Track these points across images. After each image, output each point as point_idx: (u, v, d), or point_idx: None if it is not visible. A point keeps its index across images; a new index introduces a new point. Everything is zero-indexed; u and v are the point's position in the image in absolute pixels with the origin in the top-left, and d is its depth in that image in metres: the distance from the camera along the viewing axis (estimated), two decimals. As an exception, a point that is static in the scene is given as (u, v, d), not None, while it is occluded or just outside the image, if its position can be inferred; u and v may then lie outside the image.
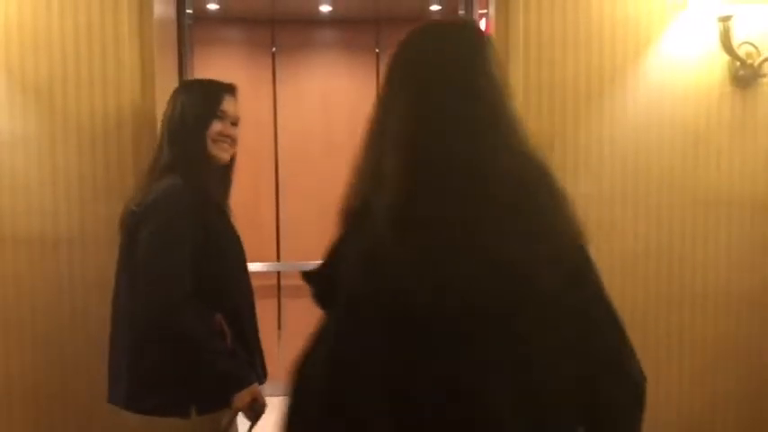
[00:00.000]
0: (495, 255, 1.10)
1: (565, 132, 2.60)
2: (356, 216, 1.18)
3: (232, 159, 2.27)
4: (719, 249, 2.70)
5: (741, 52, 2.62)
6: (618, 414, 1.20)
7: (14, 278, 2.51)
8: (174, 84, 2.89)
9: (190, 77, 3.06)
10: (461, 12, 3.20)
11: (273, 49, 5.09)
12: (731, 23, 2.56)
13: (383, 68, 5.62)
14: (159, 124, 2.29)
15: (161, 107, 2.55)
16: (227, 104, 2.20)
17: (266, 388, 2.14)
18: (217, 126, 2.17)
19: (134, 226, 2.04)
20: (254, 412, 2.08)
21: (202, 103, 2.17)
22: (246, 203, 4.66)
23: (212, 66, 4.98)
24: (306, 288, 1.22)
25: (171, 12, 2.82)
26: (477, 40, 1.22)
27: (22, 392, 2.53)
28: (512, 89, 1.24)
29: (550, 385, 1.12)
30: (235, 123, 2.24)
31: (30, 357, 2.51)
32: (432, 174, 1.13)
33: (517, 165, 1.15)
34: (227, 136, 2.20)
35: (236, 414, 2.08)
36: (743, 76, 2.64)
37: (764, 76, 2.64)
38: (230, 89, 2.24)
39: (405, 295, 1.09)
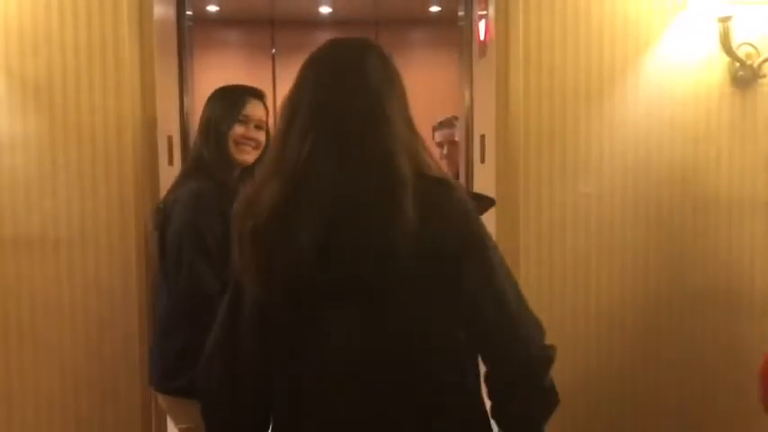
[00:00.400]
0: (365, 232, 1.30)
1: (565, 133, 2.60)
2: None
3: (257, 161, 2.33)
4: (719, 249, 2.70)
5: (741, 53, 2.62)
6: (508, 373, 1.35)
7: (14, 278, 2.51)
8: (174, 85, 2.89)
9: (189, 79, 3.07)
10: (461, 13, 3.20)
11: (273, 50, 5.10)
12: (731, 24, 2.56)
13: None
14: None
15: (161, 108, 2.56)
16: (251, 108, 2.30)
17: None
18: (239, 129, 2.26)
19: (162, 223, 2.20)
20: None
21: (226, 107, 2.28)
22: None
23: (212, 67, 4.99)
24: None
25: (171, 13, 2.82)
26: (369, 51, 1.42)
27: (22, 393, 2.53)
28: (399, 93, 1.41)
29: (412, 332, 1.32)
30: (259, 127, 2.31)
31: (29, 357, 2.51)
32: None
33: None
34: (251, 139, 2.28)
35: None
36: (742, 76, 2.64)
37: (764, 76, 2.64)
38: (255, 93, 2.35)
39: (294, 263, 1.30)
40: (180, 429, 2.27)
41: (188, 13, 3.01)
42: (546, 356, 1.36)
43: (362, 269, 1.30)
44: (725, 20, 2.55)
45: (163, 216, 2.19)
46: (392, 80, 1.40)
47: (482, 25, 2.87)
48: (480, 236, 1.35)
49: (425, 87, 5.22)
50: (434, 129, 3.90)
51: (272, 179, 1.34)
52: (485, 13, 2.81)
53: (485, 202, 1.62)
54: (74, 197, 2.48)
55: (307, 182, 1.31)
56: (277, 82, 5.06)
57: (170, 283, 2.16)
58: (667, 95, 2.64)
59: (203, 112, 2.31)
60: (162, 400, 2.26)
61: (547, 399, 1.38)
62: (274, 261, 1.31)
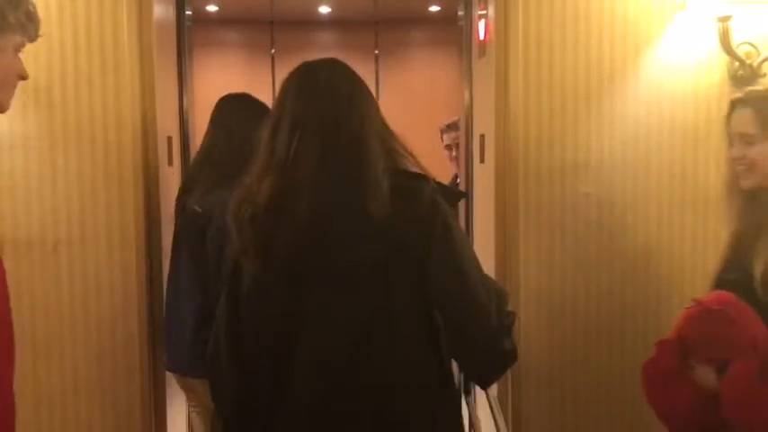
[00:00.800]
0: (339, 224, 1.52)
1: (564, 133, 2.60)
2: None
3: None
4: (720, 249, 2.69)
5: (740, 52, 2.62)
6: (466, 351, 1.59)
7: (14, 280, 2.50)
8: (174, 85, 2.89)
9: (189, 79, 3.07)
10: (460, 12, 3.20)
11: (272, 50, 5.10)
12: (730, 24, 2.56)
13: (382, 70, 5.61)
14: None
15: (160, 108, 2.56)
16: None
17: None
18: None
19: (201, 224, 2.36)
20: None
21: (253, 116, 2.36)
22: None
23: (212, 67, 4.98)
24: None
25: (170, 13, 2.82)
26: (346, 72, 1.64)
27: (22, 394, 2.52)
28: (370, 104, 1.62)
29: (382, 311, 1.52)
30: None
31: (29, 358, 2.51)
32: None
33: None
34: None
35: None
36: (742, 76, 2.63)
37: (764, 76, 2.64)
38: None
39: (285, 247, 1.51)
40: (197, 412, 2.53)
41: (187, 13, 3.01)
42: (503, 326, 1.56)
43: (341, 252, 1.52)
44: (724, 19, 2.55)
45: (203, 219, 2.34)
46: (361, 87, 1.62)
47: (482, 25, 2.87)
48: (448, 224, 1.53)
49: (425, 87, 5.23)
50: (442, 131, 3.91)
51: (267, 175, 1.54)
52: (484, 12, 2.81)
53: (455, 195, 1.75)
54: (73, 198, 2.48)
55: (296, 176, 1.52)
56: (276, 82, 5.06)
57: (206, 282, 2.34)
58: (667, 95, 2.64)
59: (224, 120, 2.45)
60: (191, 383, 2.44)
61: (503, 360, 1.59)
62: (271, 240, 1.52)
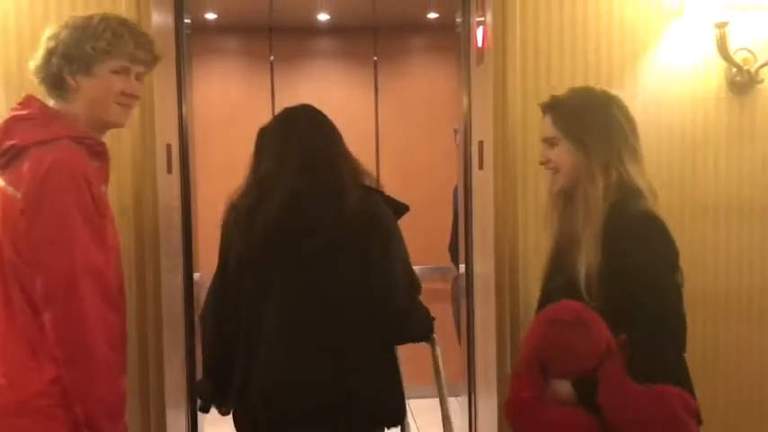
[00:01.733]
0: (308, 215, 2.02)
1: (563, 139, 2.60)
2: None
3: None
4: (718, 254, 2.70)
5: (738, 58, 2.62)
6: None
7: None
8: (173, 93, 2.89)
9: (188, 87, 3.07)
10: (459, 19, 3.21)
11: (271, 57, 5.10)
12: (727, 30, 2.57)
13: (381, 77, 5.61)
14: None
15: (159, 116, 2.56)
16: None
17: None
18: None
19: None
20: None
21: None
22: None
23: (211, 75, 4.99)
24: None
25: (169, 21, 2.83)
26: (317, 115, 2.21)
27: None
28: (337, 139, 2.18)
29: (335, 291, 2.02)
30: None
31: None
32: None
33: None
34: None
35: None
36: (740, 82, 2.64)
37: (761, 81, 2.65)
38: None
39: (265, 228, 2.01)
40: None
41: (186, 21, 3.01)
42: (415, 308, 2.13)
43: (309, 238, 1.98)
44: (722, 25, 2.56)
45: None
46: (331, 121, 2.18)
47: (480, 32, 2.88)
48: (389, 228, 2.06)
49: (423, 93, 5.23)
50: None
51: (252, 189, 2.07)
52: (482, 19, 2.81)
53: (400, 206, 2.17)
54: (72, 205, 2.47)
55: (274, 186, 2.02)
56: (276, 89, 5.07)
57: None
58: (665, 101, 2.65)
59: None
60: None
61: (408, 331, 2.14)
62: (249, 231, 2.00)
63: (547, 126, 1.95)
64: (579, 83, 2.60)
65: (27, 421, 1.56)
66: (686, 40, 2.63)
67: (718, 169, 2.68)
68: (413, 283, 2.11)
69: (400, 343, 2.20)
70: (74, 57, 1.67)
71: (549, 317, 1.77)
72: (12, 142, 1.64)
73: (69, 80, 1.69)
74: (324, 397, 1.99)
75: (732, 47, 2.60)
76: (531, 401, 1.75)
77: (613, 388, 1.66)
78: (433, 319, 2.26)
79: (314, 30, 5.20)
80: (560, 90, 2.60)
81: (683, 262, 2.69)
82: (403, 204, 2.18)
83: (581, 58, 2.61)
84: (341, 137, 2.16)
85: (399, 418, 2.15)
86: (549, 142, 1.94)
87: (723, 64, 2.63)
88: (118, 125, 1.79)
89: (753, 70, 2.63)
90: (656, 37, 2.63)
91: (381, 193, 2.13)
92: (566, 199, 1.94)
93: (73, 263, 1.53)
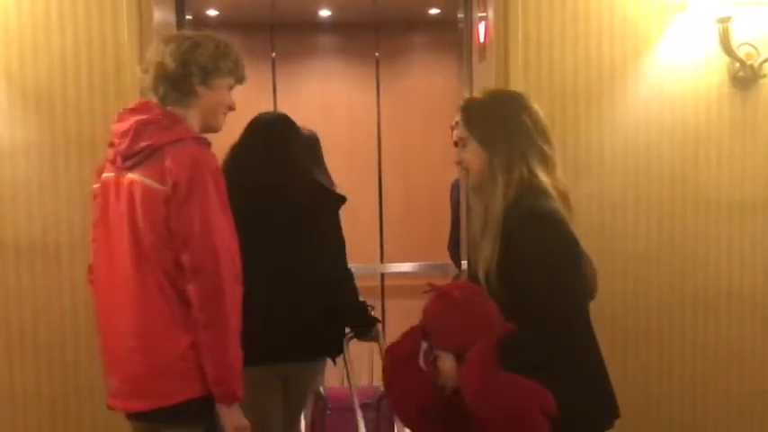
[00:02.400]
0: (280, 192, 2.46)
1: (565, 134, 2.60)
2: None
3: None
4: (720, 250, 2.70)
5: (741, 53, 2.62)
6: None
7: (16, 284, 2.51)
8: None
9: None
10: (460, 15, 3.20)
11: (273, 54, 5.10)
12: (730, 25, 2.56)
13: (383, 73, 5.60)
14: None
15: (161, 113, 2.56)
16: None
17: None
18: None
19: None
20: None
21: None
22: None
23: (212, 72, 5.00)
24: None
25: (170, 18, 2.83)
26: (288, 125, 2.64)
27: (24, 398, 2.53)
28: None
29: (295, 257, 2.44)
30: None
31: (31, 361, 2.51)
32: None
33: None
34: None
35: None
36: (742, 77, 2.64)
37: (764, 76, 2.64)
38: None
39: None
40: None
41: (187, 17, 3.01)
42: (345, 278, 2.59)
43: (280, 212, 2.41)
44: (724, 20, 2.55)
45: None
46: (294, 127, 2.60)
47: (481, 27, 2.87)
48: (329, 211, 2.52)
49: (425, 90, 5.22)
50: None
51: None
52: (484, 15, 2.81)
53: (339, 197, 2.55)
54: (75, 203, 2.48)
55: (249, 173, 2.44)
56: (277, 86, 5.06)
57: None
58: (667, 96, 2.64)
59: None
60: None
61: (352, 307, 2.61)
62: (243, 196, 2.15)
63: (460, 126, 1.99)
64: (581, 79, 2.60)
65: (170, 382, 1.83)
66: (689, 35, 2.62)
67: (721, 164, 2.68)
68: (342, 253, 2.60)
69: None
70: (209, 70, 1.93)
71: (442, 291, 1.79)
72: (146, 143, 1.85)
73: (198, 89, 1.92)
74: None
75: (735, 42, 2.59)
76: (404, 358, 1.78)
77: (474, 369, 1.66)
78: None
79: (315, 27, 5.21)
80: (562, 85, 2.62)
81: (685, 256, 2.70)
82: (341, 196, 2.57)
83: (583, 54, 2.61)
84: (304, 138, 2.64)
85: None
86: (462, 143, 1.97)
87: (726, 59, 2.63)
88: (217, 131, 2.03)
89: (756, 65, 2.62)
90: (659, 32, 2.62)
91: (332, 184, 2.64)
92: (481, 197, 1.97)
93: (216, 242, 1.80)
